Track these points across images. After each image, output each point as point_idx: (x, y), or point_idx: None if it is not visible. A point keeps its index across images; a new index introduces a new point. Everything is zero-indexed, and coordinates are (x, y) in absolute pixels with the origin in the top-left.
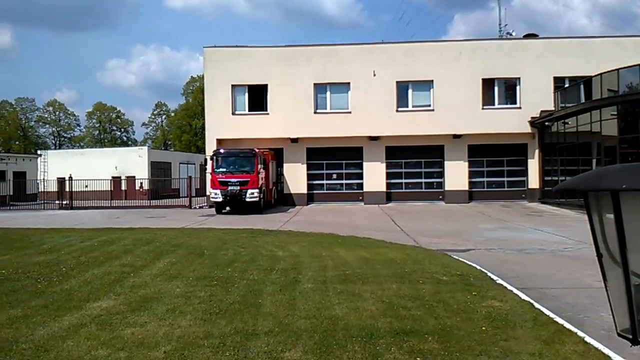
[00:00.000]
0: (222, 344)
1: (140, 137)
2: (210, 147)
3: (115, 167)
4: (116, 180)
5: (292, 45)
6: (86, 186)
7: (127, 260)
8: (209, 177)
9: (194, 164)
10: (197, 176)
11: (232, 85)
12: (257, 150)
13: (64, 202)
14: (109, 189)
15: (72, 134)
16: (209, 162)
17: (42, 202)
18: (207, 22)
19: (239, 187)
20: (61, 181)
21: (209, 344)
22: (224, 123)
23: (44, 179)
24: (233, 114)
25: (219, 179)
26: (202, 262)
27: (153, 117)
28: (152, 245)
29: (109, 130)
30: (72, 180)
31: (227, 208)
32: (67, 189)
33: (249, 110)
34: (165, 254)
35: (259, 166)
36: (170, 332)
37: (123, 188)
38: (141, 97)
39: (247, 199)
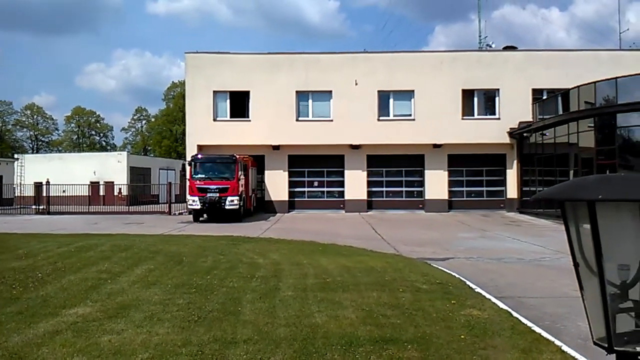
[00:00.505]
0: (201, 352)
1: (120, 142)
2: (191, 153)
3: (94, 172)
4: (94, 186)
5: (274, 52)
6: (64, 191)
7: (105, 266)
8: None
9: (174, 169)
10: (177, 182)
11: (214, 92)
12: (237, 156)
13: (41, 207)
14: (87, 194)
15: (50, 138)
16: (187, 168)
17: (18, 207)
18: (189, 28)
19: (218, 194)
20: (38, 186)
21: (187, 352)
22: (205, 129)
23: (20, 183)
24: (214, 120)
25: (197, 186)
26: (181, 269)
27: (133, 122)
28: (130, 251)
29: (87, 134)
30: (49, 184)
31: (205, 216)
32: (44, 194)
33: (231, 117)
34: (143, 261)
35: (240, 172)
36: (148, 340)
37: (101, 193)
38: (121, 101)
39: (227, 207)
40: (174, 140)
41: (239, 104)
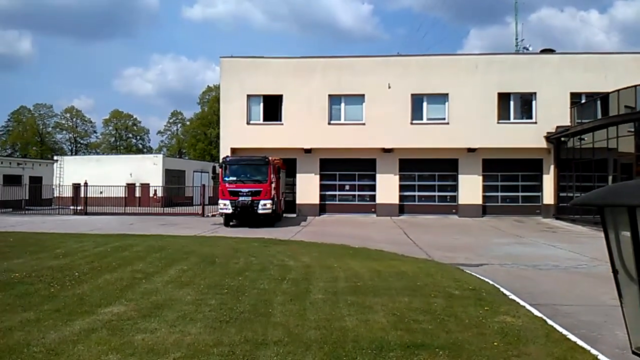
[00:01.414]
0: (232, 352)
1: (156, 145)
2: (225, 156)
3: (130, 174)
4: (130, 187)
5: (307, 56)
6: (101, 192)
7: (139, 266)
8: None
9: (208, 172)
10: (211, 184)
11: (248, 95)
12: (270, 158)
13: (79, 208)
14: (123, 195)
15: (88, 141)
16: (219, 170)
17: (57, 207)
18: (224, 33)
19: (250, 198)
20: (76, 187)
21: (219, 352)
22: (238, 132)
23: (59, 184)
24: (248, 123)
25: (228, 189)
26: (214, 270)
27: (169, 125)
28: (164, 252)
29: (124, 137)
30: (87, 186)
31: (234, 220)
32: (82, 195)
33: (264, 120)
34: (177, 262)
35: (272, 175)
36: (180, 340)
37: (137, 195)
38: (157, 105)
39: (260, 211)
40: (208, 143)
41: (272, 107)
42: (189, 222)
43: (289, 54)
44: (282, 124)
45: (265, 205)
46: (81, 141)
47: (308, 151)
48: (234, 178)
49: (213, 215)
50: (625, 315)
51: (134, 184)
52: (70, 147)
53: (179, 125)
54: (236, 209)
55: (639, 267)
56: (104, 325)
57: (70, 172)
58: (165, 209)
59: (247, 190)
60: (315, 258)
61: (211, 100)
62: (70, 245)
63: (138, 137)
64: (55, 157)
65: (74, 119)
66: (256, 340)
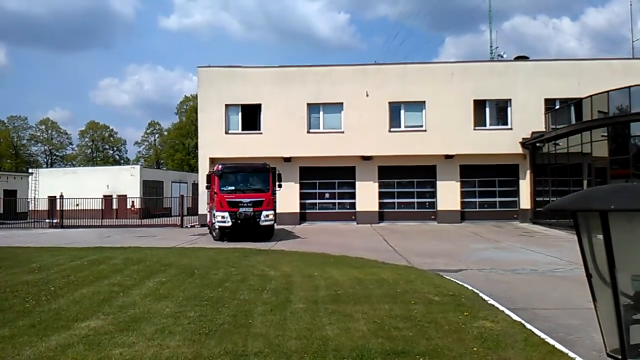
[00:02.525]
0: None
1: (133, 156)
2: (203, 166)
3: (107, 186)
4: (107, 199)
5: (285, 65)
6: (77, 205)
7: (117, 279)
8: (203, 196)
9: (187, 182)
10: (189, 195)
11: (226, 105)
12: (269, 165)
13: (55, 221)
14: (100, 207)
15: (64, 153)
16: (214, 179)
17: (33, 220)
18: (201, 42)
19: (252, 209)
20: (52, 200)
21: None
22: (217, 142)
23: (34, 198)
24: (226, 133)
25: (227, 199)
26: (193, 282)
27: (146, 136)
28: (142, 264)
29: (101, 149)
30: (63, 198)
31: (225, 238)
32: (58, 208)
33: (243, 130)
34: (155, 274)
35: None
36: (159, 353)
37: (114, 207)
38: (134, 116)
39: (262, 223)
40: (186, 153)
41: (251, 116)
42: (167, 234)
43: (267, 64)
44: (261, 133)
45: (267, 216)
46: (57, 153)
47: (287, 160)
48: (232, 187)
49: (192, 226)
50: (599, 318)
51: (111, 196)
52: (45, 160)
53: (157, 135)
54: (237, 221)
55: (612, 271)
56: (80, 340)
57: (46, 184)
58: (143, 220)
59: (248, 200)
60: (295, 267)
61: (189, 110)
62: (45, 259)
63: (115, 149)
64: (30, 170)
65: (49, 131)
66: (236, 352)
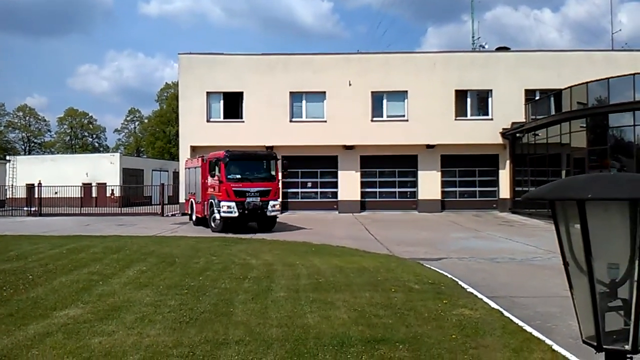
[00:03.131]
0: (192, 353)
1: (113, 144)
2: (184, 154)
3: (86, 174)
4: (87, 187)
5: (268, 53)
6: (56, 193)
7: (96, 268)
8: (184, 184)
9: (167, 171)
10: (170, 183)
11: (207, 93)
12: (275, 153)
13: (33, 209)
14: (80, 195)
15: (42, 140)
16: (220, 167)
17: (10, 208)
18: (182, 29)
19: (259, 199)
20: (30, 187)
21: (178, 354)
22: (198, 130)
23: (12, 185)
24: (208, 121)
25: (234, 188)
26: (173, 271)
27: (126, 123)
28: (122, 253)
29: (80, 136)
30: (41, 186)
31: (225, 231)
32: (36, 196)
33: (224, 118)
34: (135, 262)
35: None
36: (139, 342)
37: (94, 195)
38: (114, 103)
39: (269, 213)
40: (167, 141)
41: (233, 104)
42: (147, 222)
43: (250, 51)
44: (243, 122)
45: (274, 206)
46: (35, 140)
47: (270, 149)
48: (239, 176)
49: (173, 215)
50: (575, 306)
51: (91, 184)
52: (23, 147)
53: (137, 123)
54: (244, 211)
55: (588, 259)
56: (59, 329)
57: (24, 172)
58: (123, 209)
59: (255, 189)
60: (277, 256)
61: (170, 97)
62: (24, 247)
63: (94, 136)
64: (7, 157)
65: (27, 118)
66: (217, 340)
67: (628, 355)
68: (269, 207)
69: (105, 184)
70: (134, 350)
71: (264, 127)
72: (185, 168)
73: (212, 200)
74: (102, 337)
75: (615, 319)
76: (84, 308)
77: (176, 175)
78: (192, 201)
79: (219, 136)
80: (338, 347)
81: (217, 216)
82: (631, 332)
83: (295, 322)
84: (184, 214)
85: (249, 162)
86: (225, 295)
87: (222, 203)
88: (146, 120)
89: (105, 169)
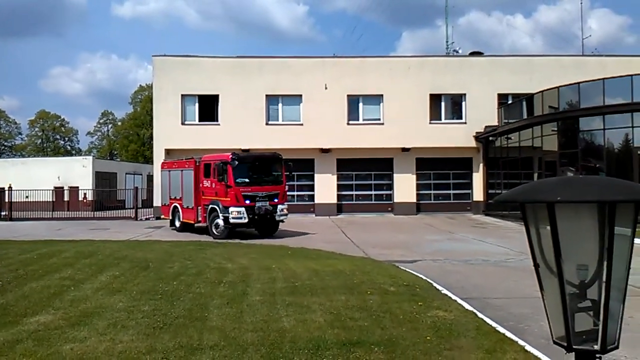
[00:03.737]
0: (165, 359)
1: (85, 147)
2: (159, 157)
3: (58, 177)
4: (59, 191)
5: (244, 56)
6: (27, 197)
7: (68, 273)
8: (159, 187)
9: (141, 174)
10: (144, 187)
11: (182, 95)
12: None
13: (3, 214)
14: (51, 199)
15: (13, 143)
16: (227, 170)
17: None
18: (157, 31)
19: (268, 203)
20: (0, 191)
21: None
22: (173, 133)
23: None
24: (183, 123)
25: (243, 193)
26: (147, 276)
27: (99, 126)
28: (95, 258)
29: (52, 139)
30: (11, 190)
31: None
32: (7, 200)
33: (200, 121)
34: (108, 267)
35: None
36: (111, 348)
37: (66, 199)
38: (86, 105)
39: (278, 218)
40: (141, 144)
41: (208, 107)
42: (121, 226)
43: (225, 54)
44: (219, 124)
45: (282, 210)
46: (5, 143)
47: (246, 151)
48: (247, 180)
49: (147, 219)
50: (546, 307)
51: (63, 188)
52: None
53: (110, 125)
54: (254, 217)
55: (558, 261)
56: (29, 336)
57: None
58: (95, 213)
59: (264, 193)
60: (253, 260)
61: (144, 99)
62: None
63: (66, 139)
64: None
65: None
66: (191, 346)
67: (597, 355)
68: (278, 212)
69: (77, 187)
70: (106, 356)
71: (240, 130)
72: (164, 170)
73: (214, 206)
74: (73, 343)
75: (584, 319)
76: (55, 314)
77: (150, 178)
78: (175, 206)
79: (194, 139)
80: (314, 350)
81: (220, 222)
82: (600, 332)
83: (270, 326)
84: (158, 218)
85: (256, 165)
86: (200, 300)
87: (231, 209)
88: (120, 123)
89: (77, 173)
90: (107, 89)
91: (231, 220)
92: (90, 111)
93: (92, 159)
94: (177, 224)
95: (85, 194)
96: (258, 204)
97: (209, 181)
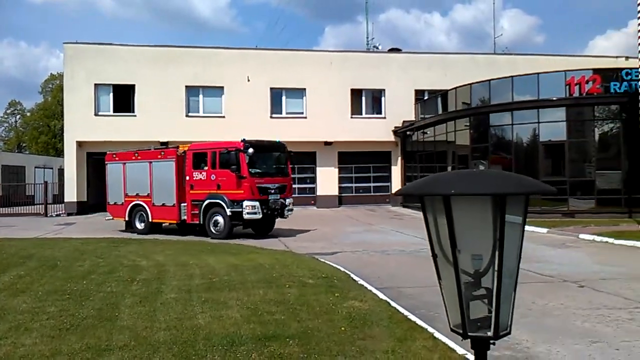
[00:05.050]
0: None
1: None
2: (70, 149)
3: None
4: None
5: (162, 45)
6: None
7: None
8: (71, 182)
9: (52, 168)
10: (55, 182)
11: (95, 84)
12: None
13: None
14: None
15: None
16: (237, 159)
17: None
18: (70, 18)
19: (279, 196)
20: None
21: None
22: (85, 124)
23: None
24: (96, 114)
25: (257, 185)
26: (55, 275)
27: (6, 116)
28: None
29: None
30: None
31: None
32: None
33: (114, 111)
34: (12, 267)
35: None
36: (12, 352)
37: None
38: None
39: (287, 213)
40: (52, 136)
41: (124, 98)
42: (29, 223)
43: (143, 43)
44: (135, 115)
45: (290, 204)
46: None
47: (164, 144)
48: (259, 171)
49: (58, 215)
50: (444, 296)
51: None
52: None
53: (18, 116)
54: (267, 212)
55: (454, 251)
56: None
57: None
58: (2, 209)
59: (276, 186)
60: (169, 256)
61: (55, 89)
62: None
63: None
64: None
65: None
66: (99, 347)
67: (491, 341)
68: (287, 206)
69: None
70: None
71: (158, 121)
72: (114, 163)
73: (216, 200)
74: None
75: (479, 307)
76: None
77: (62, 172)
78: (137, 205)
79: (109, 130)
80: (228, 346)
81: (221, 219)
82: (493, 319)
83: (184, 324)
84: (69, 214)
85: (266, 155)
86: (111, 300)
87: (245, 202)
88: (29, 114)
89: None
90: (15, 78)
91: (245, 216)
92: None
93: None
94: (140, 225)
95: None
96: (271, 197)
97: (204, 173)
